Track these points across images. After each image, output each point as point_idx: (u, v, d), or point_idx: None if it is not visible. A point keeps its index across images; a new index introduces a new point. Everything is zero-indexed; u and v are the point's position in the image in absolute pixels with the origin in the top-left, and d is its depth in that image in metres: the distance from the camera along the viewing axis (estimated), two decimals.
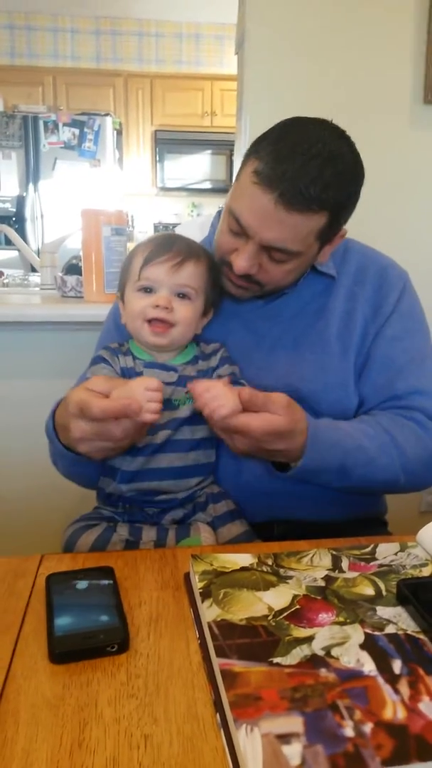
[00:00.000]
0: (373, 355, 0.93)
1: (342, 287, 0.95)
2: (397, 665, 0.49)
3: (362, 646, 0.51)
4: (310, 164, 0.76)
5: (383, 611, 0.56)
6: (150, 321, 0.82)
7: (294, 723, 0.43)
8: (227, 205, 0.86)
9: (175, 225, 4.62)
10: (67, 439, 0.76)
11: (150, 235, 4.97)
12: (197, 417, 0.81)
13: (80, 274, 1.63)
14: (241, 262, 0.83)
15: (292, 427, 0.74)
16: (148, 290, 0.83)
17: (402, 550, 0.68)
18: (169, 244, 0.84)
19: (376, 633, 0.53)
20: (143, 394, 0.69)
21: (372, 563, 0.65)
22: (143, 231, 4.93)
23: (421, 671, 0.48)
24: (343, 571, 0.63)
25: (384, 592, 0.59)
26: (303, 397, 0.90)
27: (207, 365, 0.88)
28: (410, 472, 0.86)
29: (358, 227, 0.90)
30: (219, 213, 1.03)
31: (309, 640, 0.52)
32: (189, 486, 0.85)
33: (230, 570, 0.62)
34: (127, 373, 0.84)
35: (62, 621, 0.56)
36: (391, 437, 0.85)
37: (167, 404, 0.82)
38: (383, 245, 1.03)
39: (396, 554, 0.67)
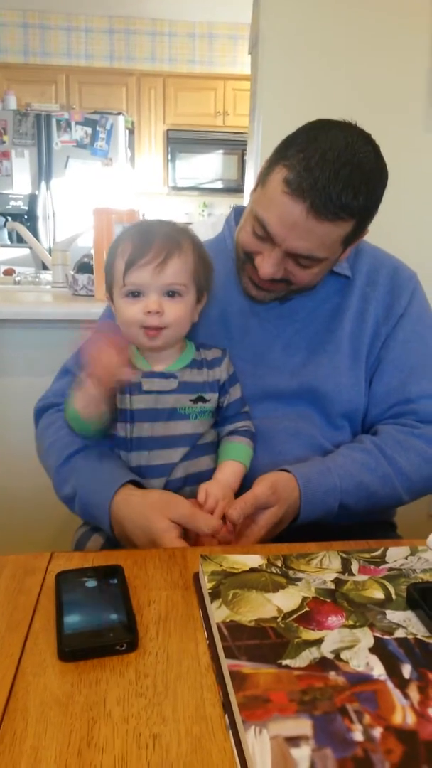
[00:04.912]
0: (385, 358, 0.94)
1: (355, 288, 0.95)
2: (406, 670, 0.49)
3: (372, 650, 0.51)
4: (341, 173, 0.76)
5: (393, 615, 0.56)
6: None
7: (303, 726, 0.42)
8: (252, 209, 0.85)
9: (186, 224, 4.61)
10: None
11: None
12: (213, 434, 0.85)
13: (92, 273, 1.64)
14: (267, 268, 0.84)
15: (284, 509, 0.78)
16: (135, 294, 0.79)
17: (412, 554, 0.68)
18: (148, 242, 0.78)
19: (386, 637, 0.53)
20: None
21: (382, 566, 0.65)
22: None
23: (430, 676, 0.48)
24: (353, 574, 0.63)
25: (394, 596, 0.59)
26: (316, 396, 0.90)
27: (212, 376, 0.86)
28: (414, 492, 0.89)
29: (370, 229, 0.90)
30: (234, 211, 1.03)
31: (318, 642, 0.52)
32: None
33: (239, 571, 0.62)
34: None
35: (71, 619, 0.56)
36: (393, 465, 0.86)
37: (173, 415, 0.82)
38: (396, 247, 1.03)
39: (406, 558, 0.67)
